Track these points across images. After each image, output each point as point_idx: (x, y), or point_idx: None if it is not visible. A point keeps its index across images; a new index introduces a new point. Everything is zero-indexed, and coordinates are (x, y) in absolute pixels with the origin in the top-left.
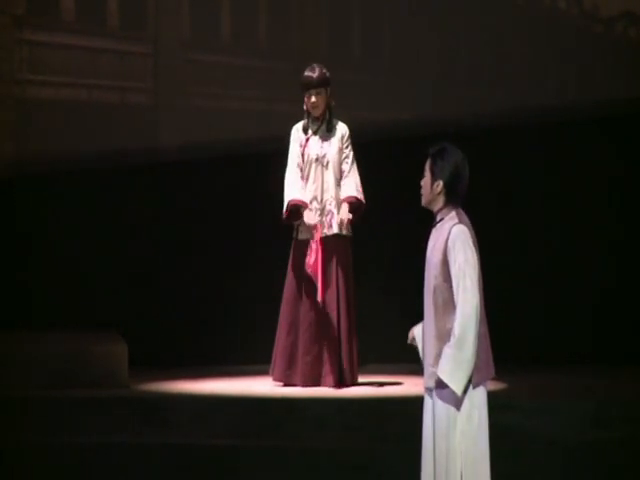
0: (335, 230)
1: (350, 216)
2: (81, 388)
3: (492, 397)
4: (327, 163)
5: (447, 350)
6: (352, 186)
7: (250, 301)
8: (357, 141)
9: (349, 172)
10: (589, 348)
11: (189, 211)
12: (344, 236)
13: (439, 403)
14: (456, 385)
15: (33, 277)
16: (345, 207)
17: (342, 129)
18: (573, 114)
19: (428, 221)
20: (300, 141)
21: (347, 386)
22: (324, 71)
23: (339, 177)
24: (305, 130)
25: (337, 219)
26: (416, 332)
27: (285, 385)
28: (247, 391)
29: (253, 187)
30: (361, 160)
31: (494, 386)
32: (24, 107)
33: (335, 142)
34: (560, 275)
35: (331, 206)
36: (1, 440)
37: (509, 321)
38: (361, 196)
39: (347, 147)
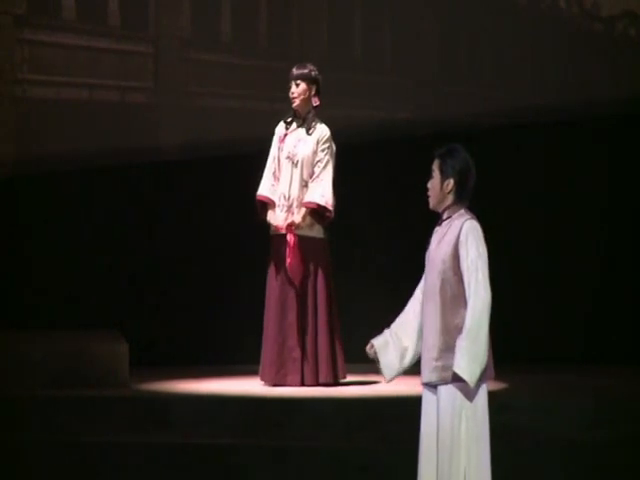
0: (298, 231)
1: (299, 221)
2: (82, 388)
3: (492, 397)
4: (297, 162)
5: (461, 343)
6: (317, 191)
7: (251, 301)
8: (356, 141)
9: (318, 176)
10: (589, 348)
11: (189, 210)
12: (315, 237)
13: (445, 399)
14: (470, 377)
15: (33, 277)
16: (302, 212)
17: (321, 132)
18: (573, 114)
19: (429, 220)
20: (280, 135)
21: (318, 385)
22: (311, 69)
23: (309, 179)
24: (287, 125)
25: (289, 220)
26: (377, 344)
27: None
28: (247, 391)
29: (254, 186)
30: (360, 160)
31: (494, 386)
32: (24, 107)
33: (310, 143)
34: (560, 275)
35: (296, 205)
36: (1, 440)
37: (509, 321)
38: (325, 202)
39: (323, 150)
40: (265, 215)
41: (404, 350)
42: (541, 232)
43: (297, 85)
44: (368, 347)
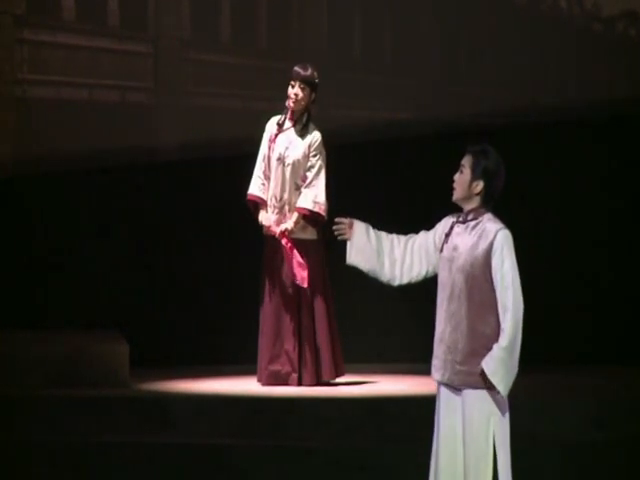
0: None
1: (292, 227)
2: (82, 388)
3: None
4: (288, 165)
5: (500, 354)
6: (309, 197)
7: (251, 301)
8: (357, 141)
9: (311, 182)
10: (589, 348)
11: (189, 210)
12: (308, 239)
13: (472, 403)
14: (505, 389)
15: (33, 277)
16: (294, 217)
17: (313, 136)
18: (573, 114)
19: (430, 220)
20: (270, 135)
21: (317, 385)
22: (315, 74)
23: (300, 182)
24: (279, 125)
25: (282, 227)
26: (358, 224)
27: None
28: (247, 391)
29: None
30: (360, 160)
31: None
32: (24, 107)
33: (301, 146)
34: (560, 275)
35: (287, 207)
36: (1, 440)
37: None
38: (318, 208)
39: (314, 156)
40: (257, 215)
41: (379, 256)
42: (541, 232)
43: (302, 88)
44: (346, 220)
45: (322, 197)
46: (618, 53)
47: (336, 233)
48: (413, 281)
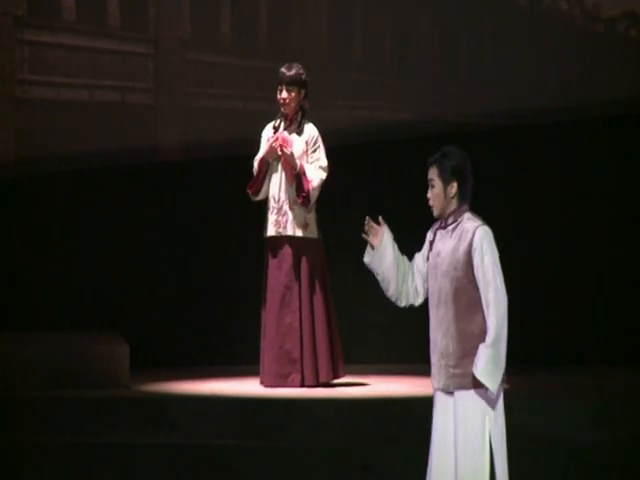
0: (289, 232)
1: (291, 152)
2: (82, 388)
3: None
4: None
5: (486, 351)
6: (312, 172)
7: (252, 301)
8: (357, 141)
9: (315, 169)
10: (589, 348)
11: (189, 211)
12: (309, 238)
13: (465, 404)
14: (493, 385)
15: (34, 277)
16: (300, 164)
17: (310, 133)
18: (573, 114)
19: (430, 221)
20: (268, 138)
21: (318, 386)
22: (300, 72)
23: None
24: (276, 128)
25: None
26: (387, 233)
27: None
28: (247, 392)
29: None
30: (360, 161)
31: None
32: (25, 107)
33: (299, 145)
34: (560, 274)
35: (286, 207)
36: (1, 440)
37: (509, 321)
38: (310, 187)
39: (314, 151)
40: (264, 181)
41: (396, 271)
42: (541, 232)
43: (288, 91)
44: (376, 226)
45: (317, 189)
46: (618, 54)
47: (366, 229)
48: (416, 305)
